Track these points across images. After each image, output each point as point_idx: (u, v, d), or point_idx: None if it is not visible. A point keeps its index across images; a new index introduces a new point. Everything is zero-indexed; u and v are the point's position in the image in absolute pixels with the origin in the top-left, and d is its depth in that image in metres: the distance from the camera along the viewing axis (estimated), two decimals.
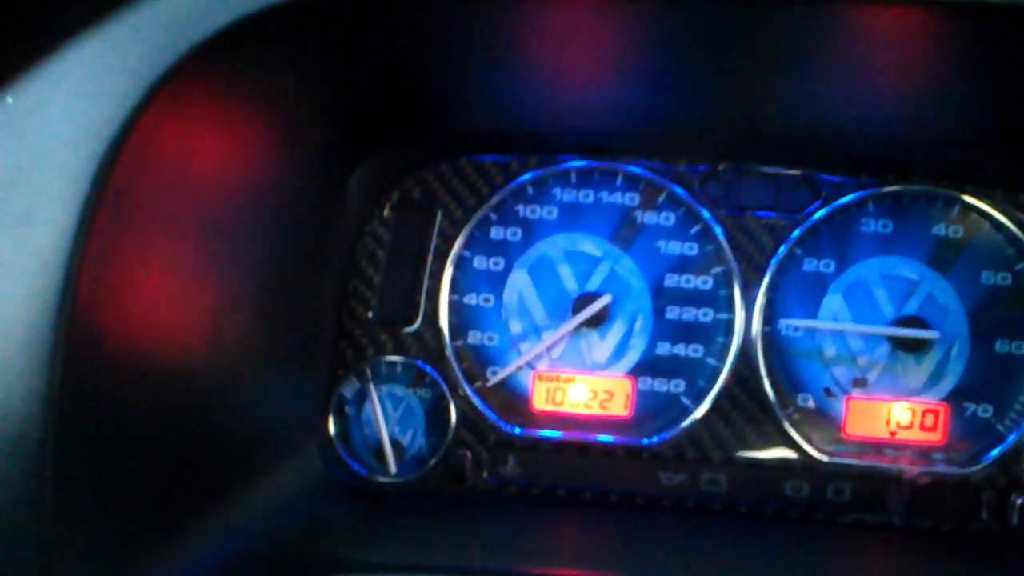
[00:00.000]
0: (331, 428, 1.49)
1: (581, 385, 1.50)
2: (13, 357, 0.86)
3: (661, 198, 1.50)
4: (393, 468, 1.48)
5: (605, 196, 1.51)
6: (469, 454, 1.48)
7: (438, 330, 1.50)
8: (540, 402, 1.50)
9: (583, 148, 1.49)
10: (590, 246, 1.51)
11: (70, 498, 0.89)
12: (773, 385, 1.48)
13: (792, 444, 1.47)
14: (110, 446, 0.96)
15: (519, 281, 1.51)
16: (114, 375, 0.96)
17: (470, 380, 1.50)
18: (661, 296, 1.50)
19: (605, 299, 1.48)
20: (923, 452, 1.47)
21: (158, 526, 1.03)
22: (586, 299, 1.49)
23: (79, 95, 0.86)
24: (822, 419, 1.48)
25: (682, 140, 1.47)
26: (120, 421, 0.98)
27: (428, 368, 1.50)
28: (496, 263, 1.51)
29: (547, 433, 1.49)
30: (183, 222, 1.05)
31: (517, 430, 1.49)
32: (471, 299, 1.52)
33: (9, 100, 0.86)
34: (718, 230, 1.49)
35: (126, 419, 0.99)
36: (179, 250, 1.06)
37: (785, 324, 1.49)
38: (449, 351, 1.50)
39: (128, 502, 0.97)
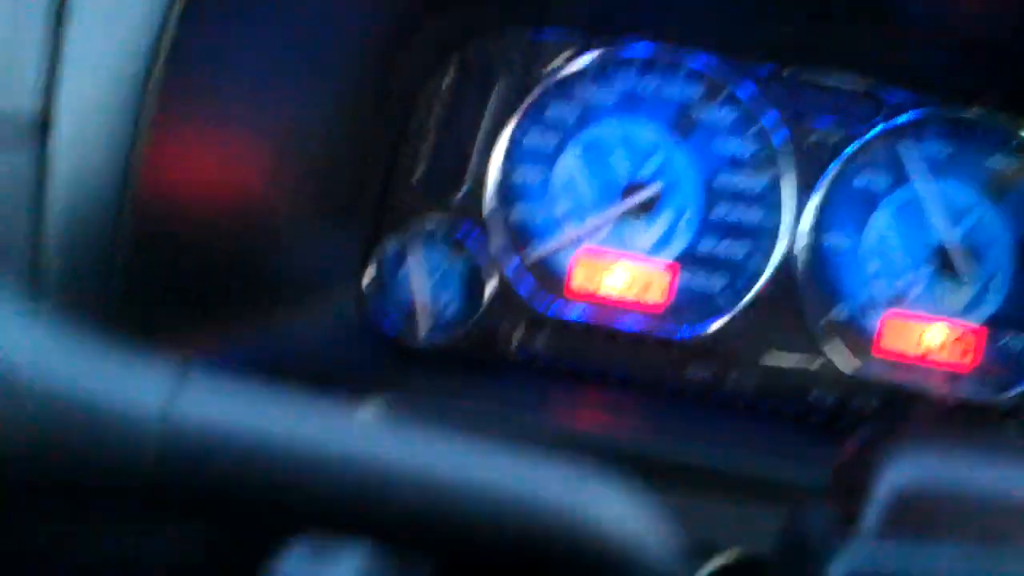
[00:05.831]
0: (366, 284, 1.49)
1: (620, 271, 1.49)
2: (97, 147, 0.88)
3: (722, 95, 1.49)
4: (424, 331, 1.49)
5: (665, 87, 1.50)
6: (501, 325, 1.49)
7: (482, 202, 1.50)
8: (578, 283, 1.50)
9: (648, 29, 1.47)
10: (645, 135, 1.49)
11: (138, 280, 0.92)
12: (811, 294, 1.47)
13: (822, 355, 1.47)
14: (173, 247, 0.99)
15: (570, 162, 1.50)
16: (184, 184, 0.99)
17: (509, 254, 1.50)
18: (711, 193, 1.49)
19: (655, 187, 1.47)
20: (953, 375, 1.47)
21: (212, 320, 1.06)
22: (635, 186, 1.48)
23: None
24: (855, 333, 1.48)
25: (749, 29, 1.45)
26: (183, 229, 1.00)
27: (469, 238, 1.50)
28: (549, 142, 1.51)
29: (580, 314, 1.49)
30: (246, 62, 1.06)
31: (551, 308, 1.49)
32: (520, 175, 1.51)
33: None
34: (774, 135, 1.48)
35: (188, 230, 1.02)
36: (242, 93, 1.08)
37: (829, 235, 1.48)
38: (491, 224, 1.50)
39: (186, 293, 1.00)
